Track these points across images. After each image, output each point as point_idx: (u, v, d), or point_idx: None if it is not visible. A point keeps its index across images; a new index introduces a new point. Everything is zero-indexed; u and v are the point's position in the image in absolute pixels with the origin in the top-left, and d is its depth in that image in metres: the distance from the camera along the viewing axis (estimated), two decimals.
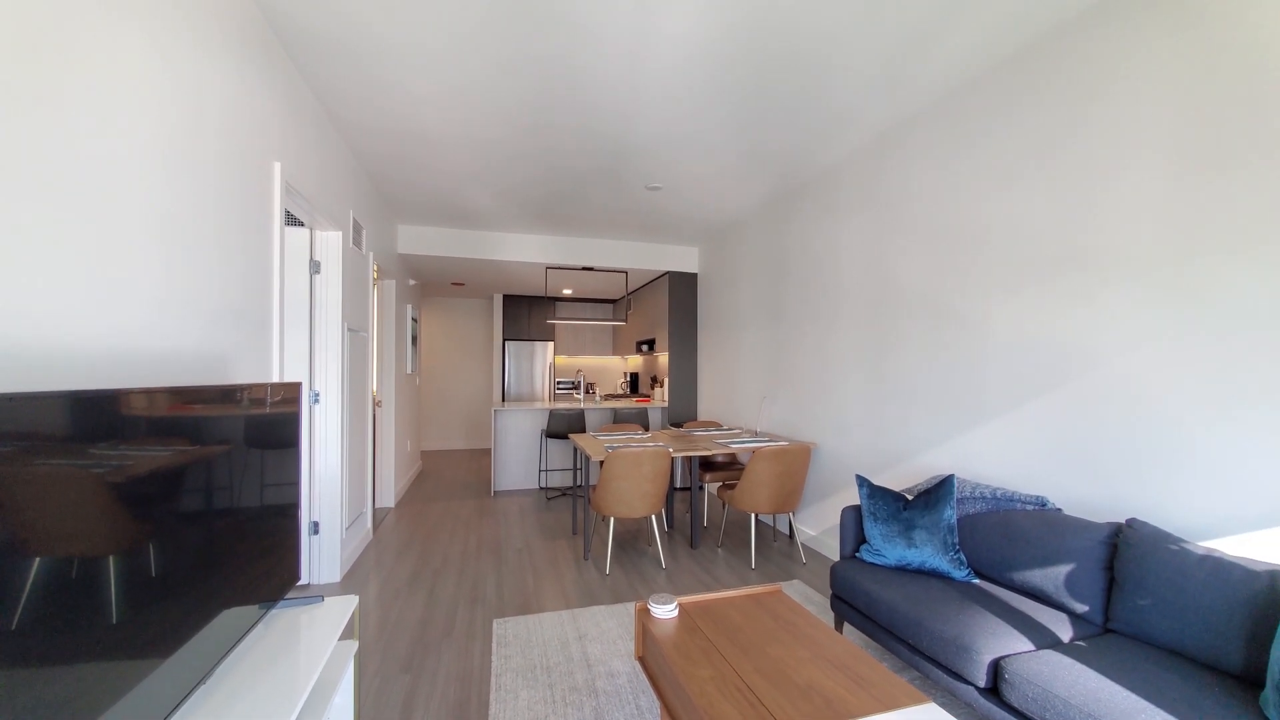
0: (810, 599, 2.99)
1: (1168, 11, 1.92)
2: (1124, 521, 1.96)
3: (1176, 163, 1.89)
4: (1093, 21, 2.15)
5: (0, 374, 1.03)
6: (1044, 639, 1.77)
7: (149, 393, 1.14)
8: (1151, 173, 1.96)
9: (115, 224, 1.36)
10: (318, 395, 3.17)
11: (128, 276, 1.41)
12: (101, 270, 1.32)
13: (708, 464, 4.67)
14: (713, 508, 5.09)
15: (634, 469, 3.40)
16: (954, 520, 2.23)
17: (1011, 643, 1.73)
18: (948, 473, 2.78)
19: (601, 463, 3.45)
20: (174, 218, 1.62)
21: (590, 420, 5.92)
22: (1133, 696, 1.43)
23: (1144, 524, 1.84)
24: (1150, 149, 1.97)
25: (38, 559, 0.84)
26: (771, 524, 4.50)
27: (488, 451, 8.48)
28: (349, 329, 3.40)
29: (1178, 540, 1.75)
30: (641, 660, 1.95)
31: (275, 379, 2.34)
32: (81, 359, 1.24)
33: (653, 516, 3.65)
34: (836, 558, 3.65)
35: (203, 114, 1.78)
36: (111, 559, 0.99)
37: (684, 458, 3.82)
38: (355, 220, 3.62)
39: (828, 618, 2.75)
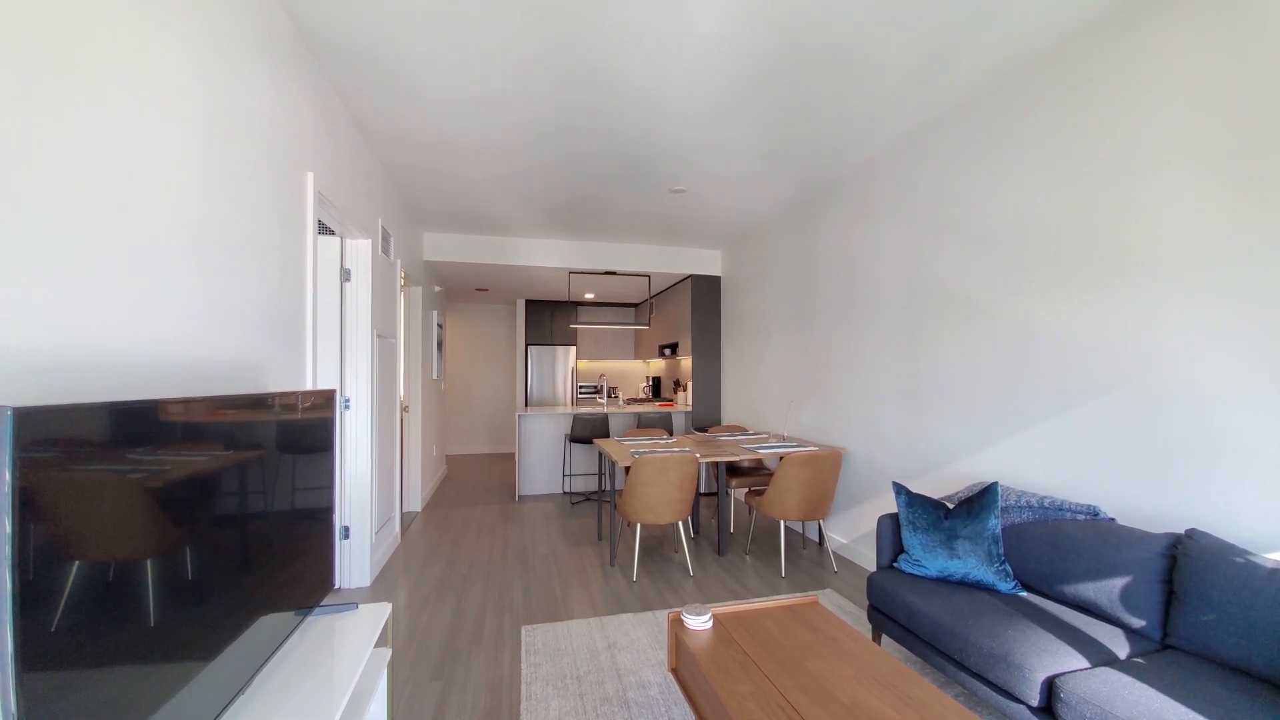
0: (844, 609, 2.91)
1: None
2: (1183, 532, 1.86)
3: (1240, 161, 1.79)
4: (1141, 12, 2.06)
5: (44, 383, 1.05)
6: (1099, 656, 1.68)
7: (189, 402, 1.14)
8: (1211, 171, 1.86)
9: (153, 234, 1.38)
10: (348, 401, 3.20)
11: (167, 287, 1.43)
12: (141, 281, 1.33)
13: (734, 469, 4.61)
14: (739, 514, 5.02)
15: (660, 475, 3.37)
16: (999, 530, 2.14)
17: (1065, 660, 1.65)
18: (989, 480, 2.69)
19: (627, 468, 3.42)
20: (212, 228, 1.64)
21: (614, 425, 5.90)
22: (1200, 719, 1.35)
23: (1205, 535, 1.75)
24: (1209, 146, 1.87)
25: (87, 563, 0.84)
26: (801, 531, 4.41)
27: (511, 455, 8.52)
28: (378, 336, 3.43)
29: (1243, 552, 1.65)
30: (675, 672, 1.91)
31: (309, 386, 2.36)
32: (124, 368, 1.26)
33: (679, 523, 3.61)
34: (870, 567, 3.56)
35: (239, 125, 1.80)
36: (163, 565, 1.00)
37: (710, 463, 3.77)
38: (384, 228, 3.67)
39: (863, 629, 2.68)
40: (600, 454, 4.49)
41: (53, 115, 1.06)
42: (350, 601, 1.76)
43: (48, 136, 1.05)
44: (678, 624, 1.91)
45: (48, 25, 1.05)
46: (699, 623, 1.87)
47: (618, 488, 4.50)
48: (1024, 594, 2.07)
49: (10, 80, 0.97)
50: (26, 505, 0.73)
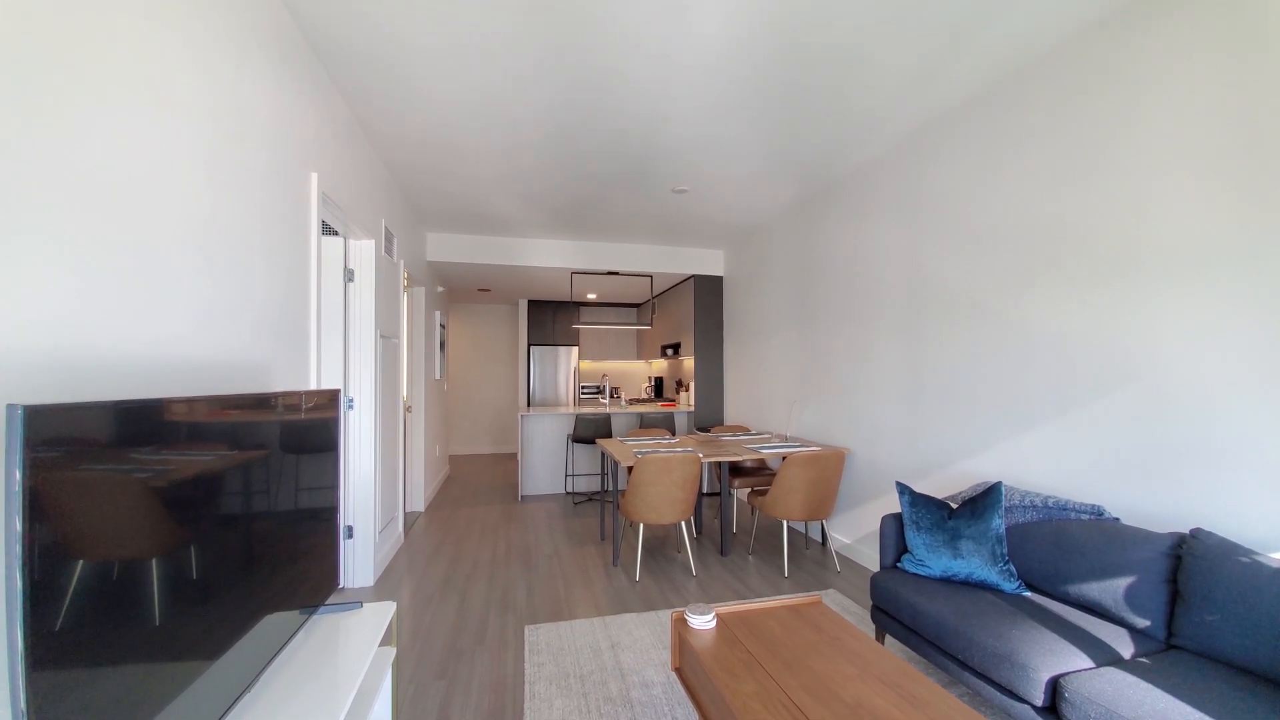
0: (848, 609, 2.91)
1: None
2: (1188, 532, 1.85)
3: (1241, 161, 1.79)
4: (1141, 12, 2.06)
5: (49, 383, 1.05)
6: (1104, 655, 1.68)
7: (195, 401, 1.15)
8: (1212, 171, 1.86)
9: (159, 235, 1.39)
10: (352, 401, 3.21)
11: (172, 287, 1.44)
12: (147, 281, 1.34)
13: (737, 469, 4.61)
14: (742, 514, 5.02)
15: (663, 475, 3.37)
16: (1003, 530, 2.14)
17: (1070, 659, 1.65)
18: (993, 480, 2.69)
19: (630, 468, 3.42)
20: (217, 228, 1.65)
21: (616, 425, 5.90)
22: (1206, 719, 1.34)
23: (1210, 534, 1.74)
24: (1210, 146, 1.86)
25: (95, 561, 0.84)
26: (804, 531, 4.41)
27: (513, 455, 8.53)
28: (381, 336, 3.44)
29: (1248, 552, 1.65)
30: (678, 672, 1.91)
31: (312, 386, 2.37)
32: (128, 369, 1.26)
33: (682, 523, 3.61)
34: (873, 567, 3.56)
35: (243, 125, 1.81)
36: (169, 564, 1.00)
37: (713, 463, 3.77)
38: (387, 229, 3.67)
39: (867, 629, 2.67)
40: (603, 454, 4.50)
41: (56, 116, 1.07)
42: (354, 600, 1.76)
43: (52, 137, 1.06)
44: (681, 623, 1.91)
45: (51, 26, 1.06)
46: (702, 622, 1.87)
47: (620, 488, 4.51)
48: (1028, 594, 2.07)
49: (11, 80, 0.98)
50: (36, 504, 0.74)
